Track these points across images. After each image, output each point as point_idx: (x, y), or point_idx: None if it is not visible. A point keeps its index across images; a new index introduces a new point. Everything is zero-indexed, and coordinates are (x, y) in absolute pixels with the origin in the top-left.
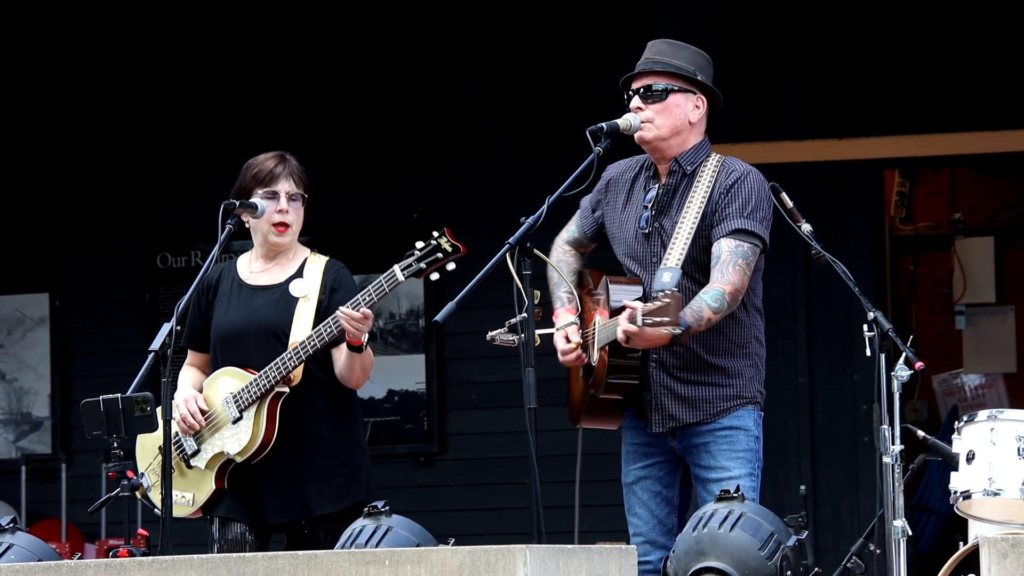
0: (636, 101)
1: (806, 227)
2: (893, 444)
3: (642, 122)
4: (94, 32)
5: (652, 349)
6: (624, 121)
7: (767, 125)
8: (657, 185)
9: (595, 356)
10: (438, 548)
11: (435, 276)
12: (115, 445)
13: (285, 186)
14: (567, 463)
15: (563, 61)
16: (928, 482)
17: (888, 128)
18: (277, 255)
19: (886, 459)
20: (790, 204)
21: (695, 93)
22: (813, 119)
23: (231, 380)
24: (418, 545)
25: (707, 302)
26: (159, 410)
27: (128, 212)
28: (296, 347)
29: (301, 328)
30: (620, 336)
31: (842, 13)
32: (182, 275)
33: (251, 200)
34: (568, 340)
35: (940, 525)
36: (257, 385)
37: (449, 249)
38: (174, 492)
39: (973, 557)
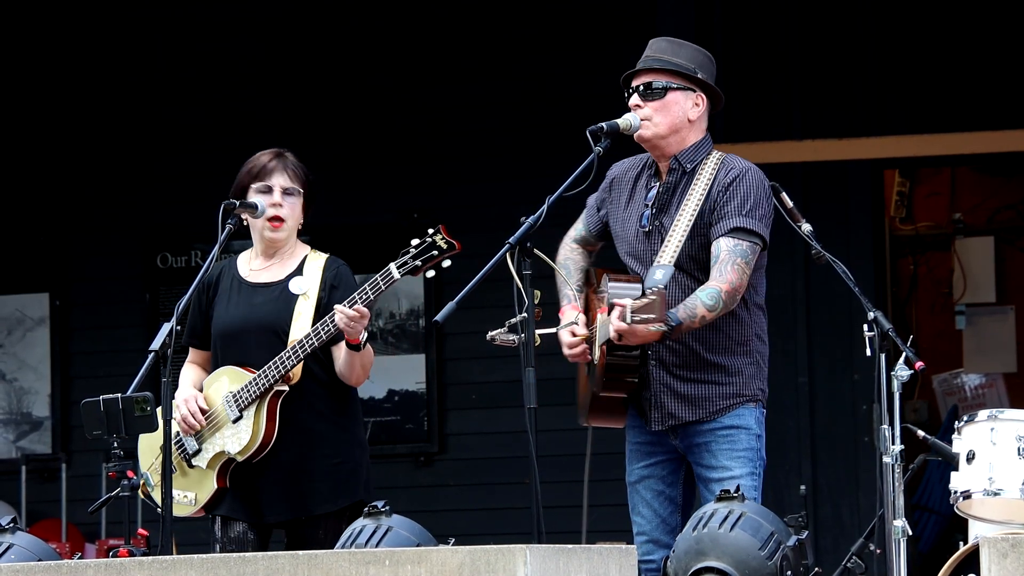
0: (635, 99)
1: (806, 227)
2: (893, 444)
3: (641, 120)
4: (94, 32)
5: (652, 347)
6: (624, 121)
7: (767, 125)
8: (658, 183)
9: (596, 354)
10: (438, 548)
11: (431, 273)
12: (115, 445)
13: (280, 180)
14: (567, 463)
15: (563, 61)
16: (928, 482)
17: (888, 128)
18: (276, 252)
19: (886, 459)
20: (790, 204)
21: (695, 91)
22: (813, 119)
23: (231, 379)
24: (418, 545)
25: (702, 300)
26: (159, 410)
27: (128, 212)
28: (294, 345)
29: (301, 325)
30: (612, 334)
31: (842, 13)
32: (182, 275)
33: (248, 197)
34: (574, 335)
35: (940, 525)
36: (256, 384)
37: (444, 246)
38: (177, 492)
39: (973, 557)
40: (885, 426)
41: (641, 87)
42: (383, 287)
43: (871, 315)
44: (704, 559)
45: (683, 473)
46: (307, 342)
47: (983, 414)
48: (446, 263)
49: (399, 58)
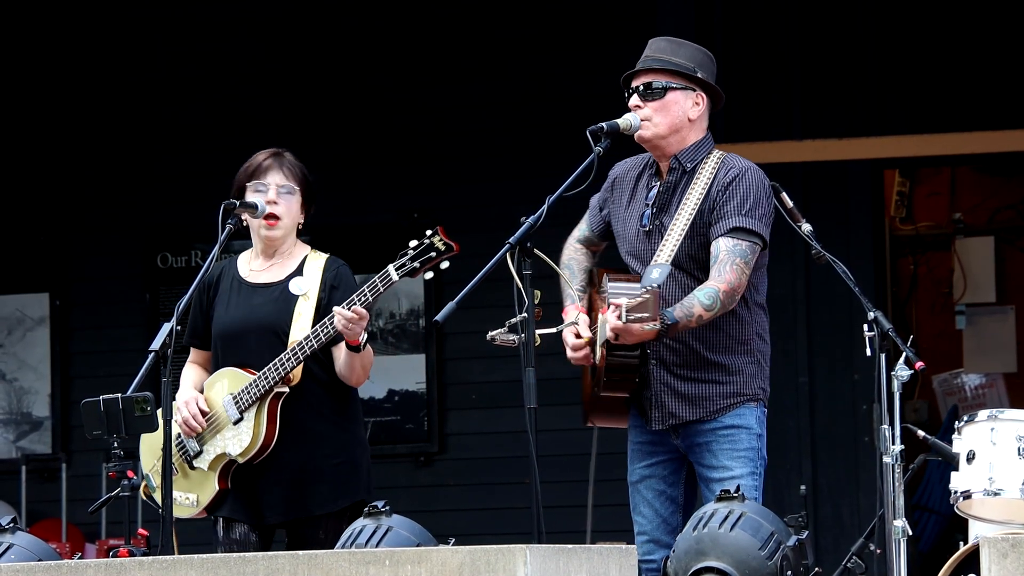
0: (635, 99)
1: (806, 227)
2: (893, 444)
3: (641, 120)
4: (94, 32)
5: (652, 346)
6: (624, 121)
7: (767, 125)
8: (658, 183)
9: (598, 354)
10: (438, 548)
11: (429, 275)
12: (115, 445)
13: (275, 178)
14: (567, 463)
15: (563, 61)
16: (928, 482)
17: (888, 128)
18: (276, 252)
19: (886, 459)
20: (790, 204)
21: (694, 90)
22: (813, 119)
23: (231, 381)
24: (418, 545)
25: (699, 299)
26: (159, 410)
27: (128, 212)
28: (294, 347)
29: (301, 326)
30: (608, 334)
31: (842, 13)
32: (182, 275)
33: (245, 196)
34: (578, 336)
35: (940, 525)
36: (257, 386)
37: (442, 248)
38: (179, 493)
39: (973, 557)
40: (885, 426)
41: (641, 87)
42: (381, 289)
43: (871, 315)
44: (704, 559)
45: (684, 473)
46: (306, 344)
47: (983, 414)
48: (444, 265)
49: (399, 58)
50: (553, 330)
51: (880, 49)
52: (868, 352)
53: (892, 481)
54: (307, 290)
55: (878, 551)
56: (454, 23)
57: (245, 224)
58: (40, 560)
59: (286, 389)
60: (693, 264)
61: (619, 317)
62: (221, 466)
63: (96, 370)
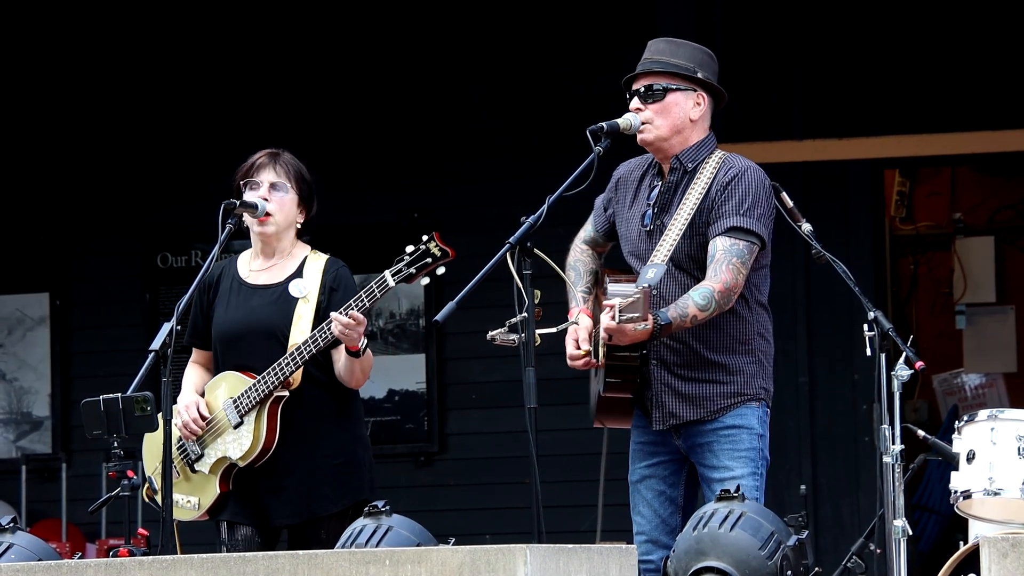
0: (635, 102)
1: (806, 227)
2: (893, 444)
3: (642, 123)
4: (94, 32)
5: (653, 347)
6: (624, 121)
7: (767, 125)
8: (660, 183)
9: (601, 355)
10: (438, 548)
11: (425, 281)
12: (115, 445)
13: (267, 176)
14: (568, 463)
15: (563, 61)
16: (928, 482)
17: (888, 128)
18: (275, 252)
19: (886, 459)
20: (790, 204)
21: (695, 91)
22: (813, 119)
23: (231, 385)
24: (418, 545)
25: (694, 299)
26: (159, 410)
27: (128, 212)
28: (293, 352)
29: (301, 329)
30: (603, 335)
31: (842, 13)
32: (182, 275)
33: (243, 196)
34: (578, 347)
35: (940, 525)
36: (256, 390)
37: (438, 253)
38: (180, 496)
39: (973, 557)
40: (885, 426)
41: (641, 89)
42: (378, 294)
43: (871, 315)
44: (704, 559)
45: (685, 474)
46: (305, 349)
47: (983, 414)
48: (440, 271)
49: (399, 58)
50: (553, 330)
51: (880, 49)
52: (868, 352)
53: (892, 481)
54: (307, 292)
55: (878, 551)
56: (454, 23)
57: (245, 224)
58: (40, 560)
59: (286, 393)
60: (693, 264)
61: (612, 318)
62: (222, 469)
63: (96, 370)
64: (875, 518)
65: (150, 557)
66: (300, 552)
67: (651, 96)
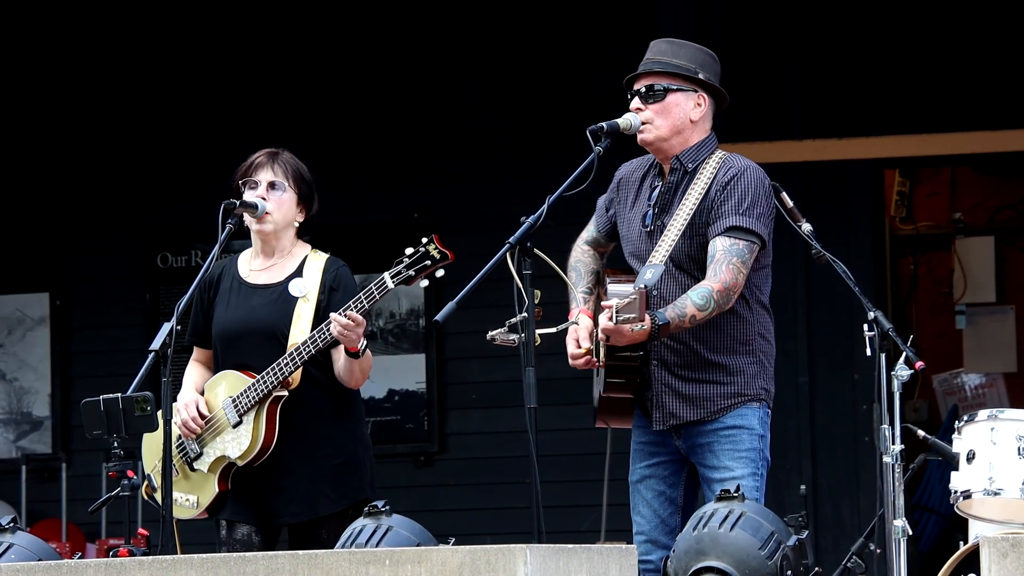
0: (636, 102)
1: (806, 227)
2: (893, 444)
3: (642, 123)
4: (94, 32)
5: (653, 347)
6: (624, 120)
7: (767, 125)
8: (661, 183)
9: (602, 355)
10: (438, 548)
11: (424, 283)
12: (115, 445)
13: (265, 175)
14: (568, 463)
15: (563, 61)
16: (928, 482)
17: (888, 128)
18: (275, 251)
19: (886, 459)
20: (790, 204)
21: (696, 91)
22: (813, 119)
23: (231, 384)
24: (418, 545)
25: (692, 299)
26: (159, 410)
27: (128, 212)
28: (292, 352)
29: (301, 328)
30: (600, 335)
31: (842, 13)
32: (182, 275)
33: (243, 195)
34: (579, 346)
35: (940, 525)
36: (255, 390)
37: (437, 256)
38: (179, 495)
39: (973, 557)
40: (885, 426)
41: (642, 90)
42: (377, 296)
43: (871, 315)
44: (704, 559)
45: (685, 475)
46: (304, 348)
47: (983, 414)
48: (439, 273)
49: (399, 58)
50: (553, 330)
51: (880, 49)
52: (868, 352)
53: (892, 481)
54: (306, 292)
55: (878, 551)
56: (454, 23)
57: (245, 224)
58: (40, 560)
59: (285, 393)
60: (693, 264)
61: (609, 319)
62: (221, 468)
63: (96, 370)
64: (875, 518)
65: (150, 557)
66: (300, 552)
67: (652, 96)
